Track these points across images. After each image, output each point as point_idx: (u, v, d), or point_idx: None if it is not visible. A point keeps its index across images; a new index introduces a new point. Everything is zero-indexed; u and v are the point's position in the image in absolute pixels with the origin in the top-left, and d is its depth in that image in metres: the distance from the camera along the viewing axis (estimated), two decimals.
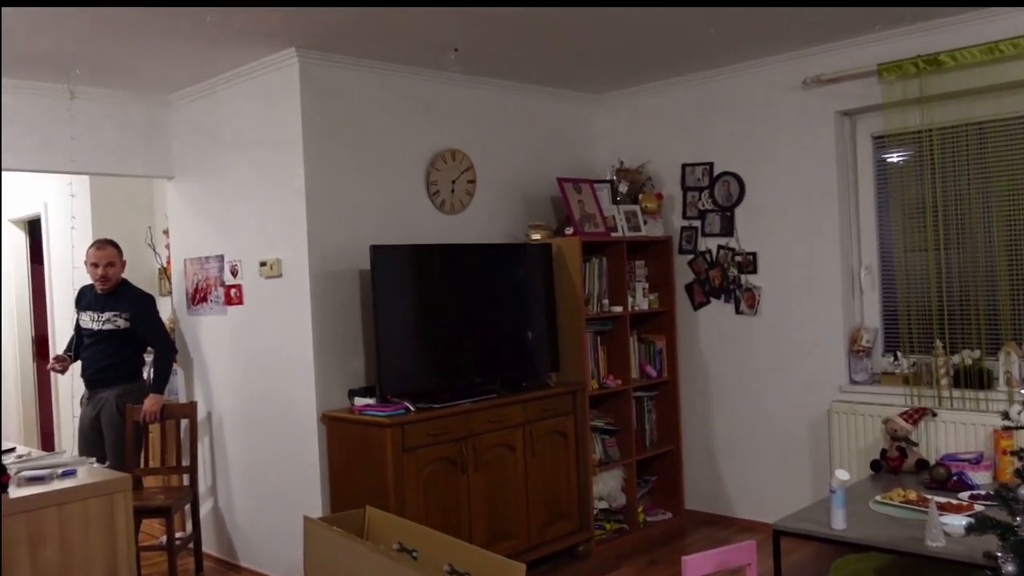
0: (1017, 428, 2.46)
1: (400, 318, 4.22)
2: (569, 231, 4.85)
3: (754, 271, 4.97)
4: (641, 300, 5.16)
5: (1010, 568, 2.49)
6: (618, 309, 4.96)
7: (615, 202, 5.10)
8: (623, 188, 5.14)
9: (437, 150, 4.70)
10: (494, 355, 4.57)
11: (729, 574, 3.20)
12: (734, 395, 5.11)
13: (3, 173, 4.50)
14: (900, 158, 4.58)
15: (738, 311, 5.05)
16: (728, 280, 5.08)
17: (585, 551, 4.68)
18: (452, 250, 4.51)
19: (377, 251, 4.10)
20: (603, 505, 4.88)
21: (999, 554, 2.57)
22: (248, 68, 4.37)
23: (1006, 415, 2.54)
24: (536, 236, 4.91)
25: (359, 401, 4.12)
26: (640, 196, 5.19)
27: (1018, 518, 2.50)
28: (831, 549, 4.52)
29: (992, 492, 3.53)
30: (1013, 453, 2.62)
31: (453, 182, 4.77)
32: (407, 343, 4.26)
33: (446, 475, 4.07)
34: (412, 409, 4.00)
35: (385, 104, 4.49)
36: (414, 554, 3.30)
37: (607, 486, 4.89)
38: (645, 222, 5.15)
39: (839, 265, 4.66)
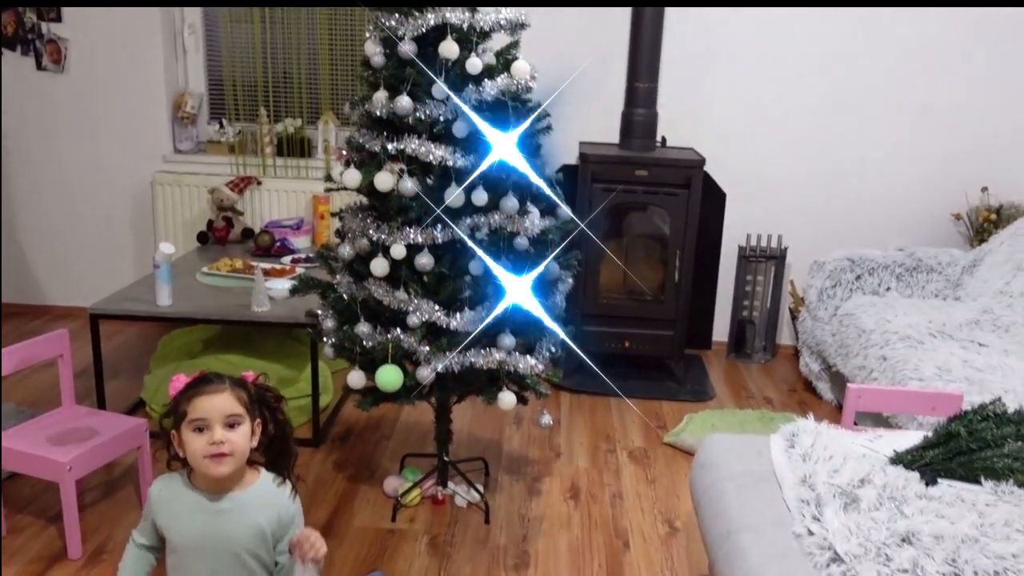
0: (339, 189, 2.49)
1: None
2: None
3: (58, 19, 4.18)
4: None
5: (330, 323, 2.60)
6: None
7: None
8: None
9: None
10: None
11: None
12: (40, 167, 4.38)
13: None
14: None
15: (40, 67, 4.24)
16: (26, 28, 4.20)
17: None
18: None
19: None
20: None
21: (319, 311, 2.67)
22: None
23: (329, 177, 2.56)
24: None
25: None
26: None
27: (337, 276, 2.60)
28: (158, 327, 4.36)
29: (313, 255, 3.72)
30: (333, 214, 2.68)
31: None
32: None
33: None
34: None
35: None
36: None
37: None
38: None
39: (159, 20, 4.19)
